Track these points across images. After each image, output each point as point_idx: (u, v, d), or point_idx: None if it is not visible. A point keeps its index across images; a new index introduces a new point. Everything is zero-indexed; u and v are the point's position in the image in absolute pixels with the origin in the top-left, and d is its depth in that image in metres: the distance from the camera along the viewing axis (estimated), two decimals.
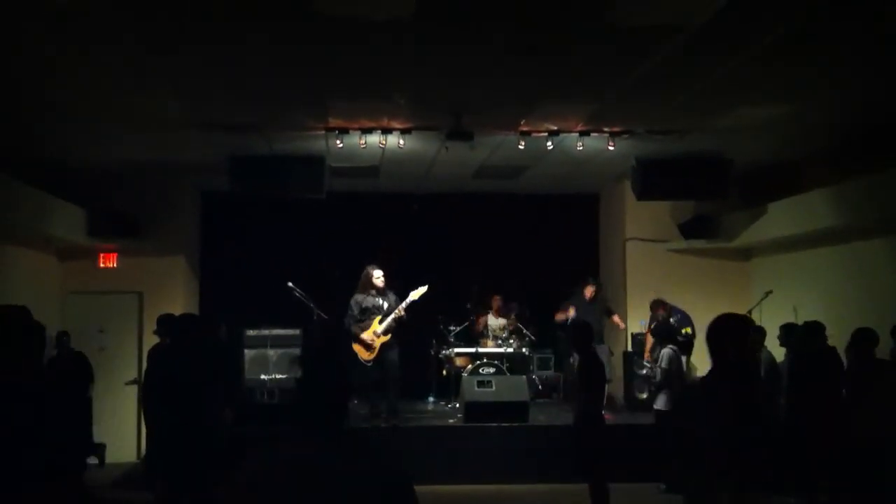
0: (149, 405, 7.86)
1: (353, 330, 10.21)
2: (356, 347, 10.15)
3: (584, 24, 6.10)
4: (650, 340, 10.91)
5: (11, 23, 5.96)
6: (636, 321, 12.05)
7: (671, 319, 10.98)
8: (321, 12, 5.77)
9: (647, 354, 11.03)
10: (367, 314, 10.23)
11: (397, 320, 10.10)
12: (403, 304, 10.09)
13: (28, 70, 7.11)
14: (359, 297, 10.31)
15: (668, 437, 9.16)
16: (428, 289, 10.15)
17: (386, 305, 10.23)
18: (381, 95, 7.96)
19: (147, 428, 8.25)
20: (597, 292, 11.83)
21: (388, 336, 10.12)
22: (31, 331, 3.25)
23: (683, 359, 10.51)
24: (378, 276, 10.28)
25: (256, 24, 6.06)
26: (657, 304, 11.04)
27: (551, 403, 11.90)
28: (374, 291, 10.28)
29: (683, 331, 10.96)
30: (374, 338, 10.13)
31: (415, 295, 10.11)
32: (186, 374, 6.70)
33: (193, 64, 7.01)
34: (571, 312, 11.49)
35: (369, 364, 10.11)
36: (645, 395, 10.86)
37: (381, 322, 10.15)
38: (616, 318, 11.96)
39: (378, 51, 6.61)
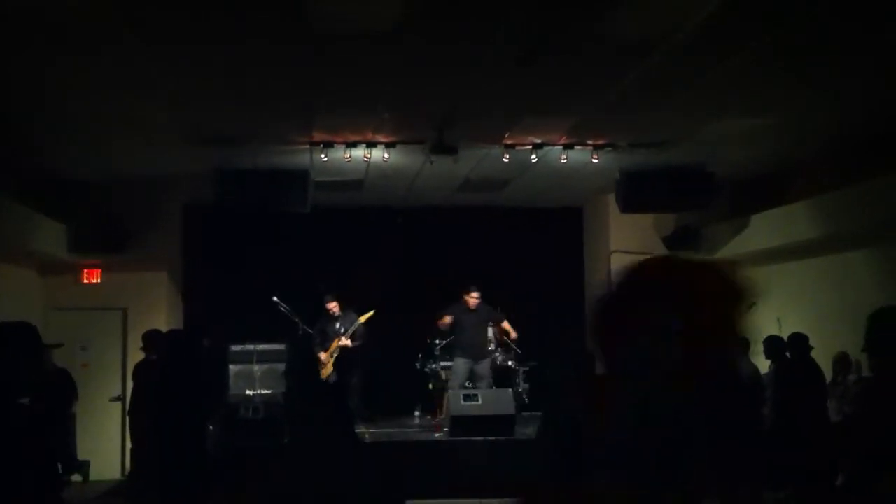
0: (136, 421, 7.82)
1: (315, 351, 11.46)
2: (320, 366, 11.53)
3: (568, 38, 6.14)
4: None
5: None
6: None
7: None
8: (306, 24, 5.79)
9: None
10: (326, 337, 11.50)
11: (342, 348, 11.34)
12: (350, 331, 11.29)
13: (12, 84, 7.09)
14: (320, 322, 11.62)
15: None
16: (374, 313, 11.30)
17: (342, 329, 11.42)
18: (366, 108, 7.97)
19: (133, 444, 8.20)
20: (481, 301, 11.24)
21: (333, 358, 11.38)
22: (36, 348, 3.22)
23: None
24: (332, 307, 11.52)
25: (244, 39, 6.07)
26: None
27: (538, 417, 11.87)
28: (331, 319, 11.52)
29: None
30: (329, 358, 11.37)
31: (361, 319, 11.35)
32: (174, 390, 6.67)
33: (180, 77, 7.00)
34: (447, 320, 11.21)
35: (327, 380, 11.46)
36: None
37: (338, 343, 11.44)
38: (506, 325, 11.53)
39: (363, 64, 6.63)
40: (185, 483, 6.29)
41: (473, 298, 11.15)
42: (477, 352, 11.22)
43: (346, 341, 11.33)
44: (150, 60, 6.56)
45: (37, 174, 10.26)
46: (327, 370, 11.45)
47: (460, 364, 11.11)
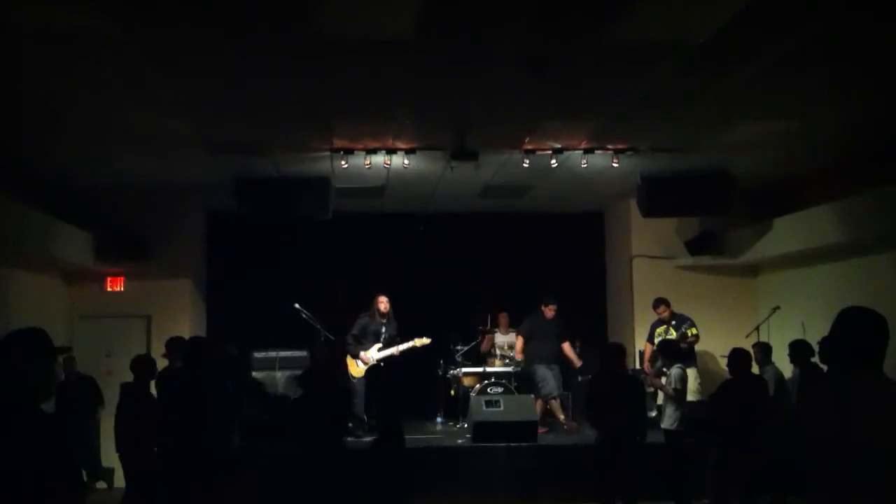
0: (157, 428, 7.85)
1: (351, 347, 11.02)
2: (350, 362, 10.99)
3: (587, 42, 6.13)
4: (649, 350, 10.90)
5: (16, 43, 6.01)
6: (643, 338, 12.00)
7: (672, 322, 10.90)
8: (323, 33, 5.82)
9: (646, 365, 10.95)
10: (367, 336, 11.08)
11: (391, 357, 10.97)
12: (402, 347, 10.99)
13: (33, 92, 7.16)
14: (364, 319, 11.17)
15: (677, 456, 9.12)
16: (431, 342, 11.08)
17: (385, 333, 11.09)
18: (386, 115, 7.99)
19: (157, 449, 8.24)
20: (556, 313, 11.46)
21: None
22: (49, 355, 3.22)
23: (692, 371, 10.41)
24: (382, 302, 11.10)
25: (259, 45, 6.10)
26: (660, 303, 11.02)
27: (559, 422, 11.84)
28: (378, 316, 11.09)
29: (690, 332, 10.85)
30: (369, 360, 10.97)
31: (417, 343, 11.05)
32: (196, 397, 6.71)
33: (198, 85, 7.06)
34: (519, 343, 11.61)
35: (356, 380, 10.99)
36: (654, 414, 10.79)
37: (380, 350, 10.98)
38: (567, 348, 11.57)
39: (381, 70, 6.65)
40: (201, 489, 6.32)
41: (551, 310, 11.49)
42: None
43: (397, 353, 10.94)
44: (167, 72, 6.62)
45: (60, 184, 10.37)
46: (360, 371, 11.01)
47: (544, 369, 11.25)
